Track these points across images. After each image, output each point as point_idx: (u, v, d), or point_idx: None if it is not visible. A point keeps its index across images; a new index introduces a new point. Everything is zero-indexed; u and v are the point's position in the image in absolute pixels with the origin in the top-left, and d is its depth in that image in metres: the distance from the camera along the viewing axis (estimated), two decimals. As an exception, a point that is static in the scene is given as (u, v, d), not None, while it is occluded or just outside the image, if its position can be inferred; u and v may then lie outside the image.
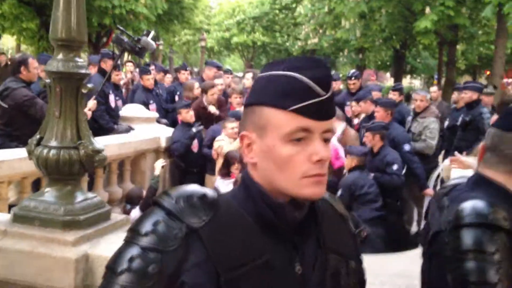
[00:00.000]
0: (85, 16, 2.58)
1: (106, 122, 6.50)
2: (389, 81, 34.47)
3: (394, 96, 8.00)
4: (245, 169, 1.21)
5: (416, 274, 1.85)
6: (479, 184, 1.81)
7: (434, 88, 10.27)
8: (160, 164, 5.63)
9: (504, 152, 1.78)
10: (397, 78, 25.67)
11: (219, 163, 6.10)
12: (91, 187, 5.62)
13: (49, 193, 2.55)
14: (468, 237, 1.58)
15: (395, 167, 5.97)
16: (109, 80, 6.68)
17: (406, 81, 35.55)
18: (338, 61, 26.96)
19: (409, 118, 7.28)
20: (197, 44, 35.75)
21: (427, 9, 15.35)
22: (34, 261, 2.36)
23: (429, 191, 6.21)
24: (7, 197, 4.90)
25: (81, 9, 2.54)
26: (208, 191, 1.14)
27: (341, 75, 35.49)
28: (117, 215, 2.79)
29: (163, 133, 6.87)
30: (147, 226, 1.08)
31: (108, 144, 5.93)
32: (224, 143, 6.28)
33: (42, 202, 2.51)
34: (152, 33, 5.74)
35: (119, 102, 7.16)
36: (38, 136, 2.58)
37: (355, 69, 26.47)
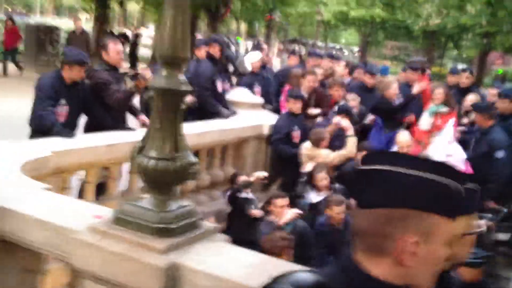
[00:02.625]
0: (189, 33, 2.69)
1: (211, 106, 6.68)
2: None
3: None
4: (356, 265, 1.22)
5: None
6: None
7: None
8: (259, 175, 5.67)
9: None
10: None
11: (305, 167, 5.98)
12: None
13: (146, 200, 2.73)
14: None
15: (501, 153, 5.64)
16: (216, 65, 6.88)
17: (536, 67, 32.70)
18: (461, 44, 25.40)
19: None
20: (313, 17, 35.39)
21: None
22: (126, 263, 2.55)
23: None
24: (119, 177, 5.31)
25: (185, 27, 2.65)
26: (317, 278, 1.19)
27: (464, 56, 33.00)
28: (206, 224, 2.93)
29: (267, 120, 6.97)
30: None
31: (212, 131, 6.18)
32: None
33: (140, 208, 2.70)
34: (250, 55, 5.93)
35: (227, 86, 7.35)
36: (140, 145, 2.75)
37: (478, 53, 24.86)
